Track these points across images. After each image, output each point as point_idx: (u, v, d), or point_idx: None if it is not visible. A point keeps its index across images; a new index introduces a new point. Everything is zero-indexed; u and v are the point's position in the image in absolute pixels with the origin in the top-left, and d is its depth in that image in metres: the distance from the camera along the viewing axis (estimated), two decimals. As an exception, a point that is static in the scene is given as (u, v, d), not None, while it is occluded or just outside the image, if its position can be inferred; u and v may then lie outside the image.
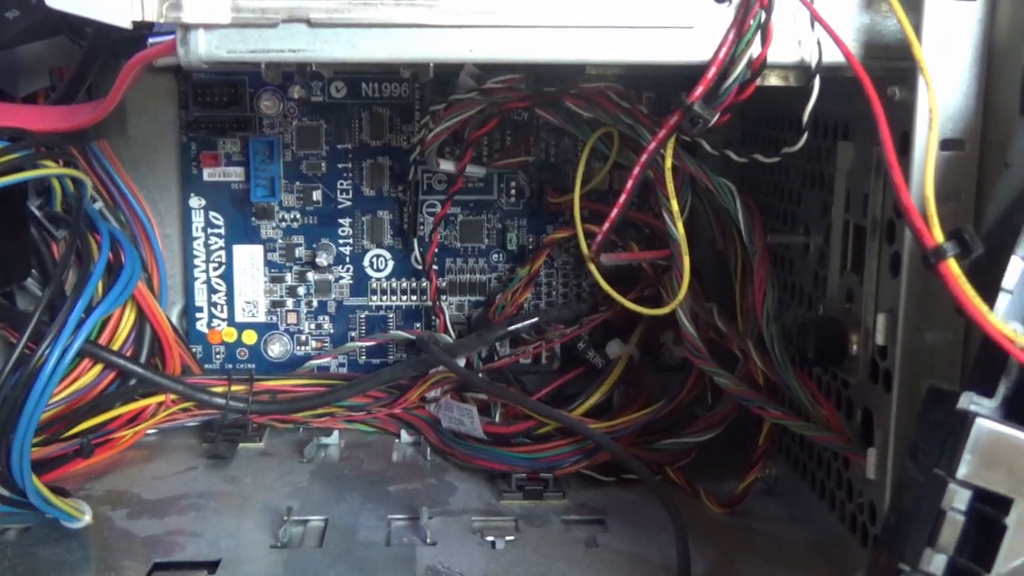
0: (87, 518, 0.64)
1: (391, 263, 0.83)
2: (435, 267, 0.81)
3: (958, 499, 0.37)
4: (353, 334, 0.83)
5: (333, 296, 0.83)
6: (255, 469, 0.74)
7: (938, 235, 0.40)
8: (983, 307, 0.38)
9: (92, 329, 0.67)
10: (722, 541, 0.63)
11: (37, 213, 0.68)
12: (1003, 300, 0.39)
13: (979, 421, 0.37)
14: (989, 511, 0.37)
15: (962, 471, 0.37)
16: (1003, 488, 0.37)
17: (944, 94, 0.47)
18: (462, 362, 0.77)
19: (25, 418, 0.61)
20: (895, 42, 0.46)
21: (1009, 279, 0.39)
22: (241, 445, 0.77)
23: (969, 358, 0.47)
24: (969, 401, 0.38)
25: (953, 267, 0.39)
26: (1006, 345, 0.37)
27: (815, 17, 0.48)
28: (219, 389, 0.76)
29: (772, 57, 0.48)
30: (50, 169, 0.66)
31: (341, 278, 0.83)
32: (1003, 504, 0.37)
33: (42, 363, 0.62)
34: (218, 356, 0.83)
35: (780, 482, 0.70)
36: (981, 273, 0.39)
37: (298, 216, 0.81)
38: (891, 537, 0.40)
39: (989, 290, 0.39)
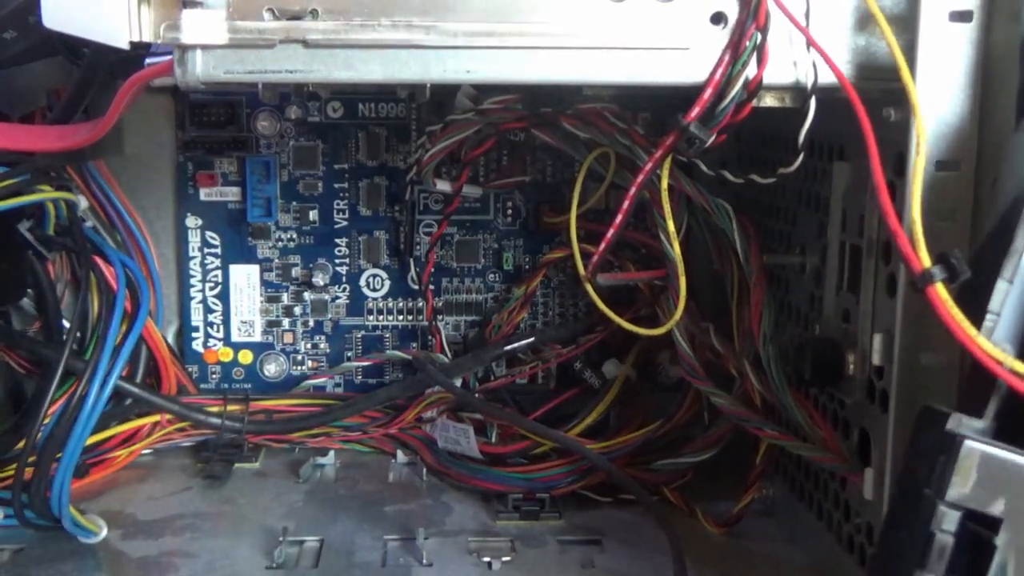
0: (104, 532, 0.64)
1: (387, 283, 0.83)
2: (431, 287, 0.81)
3: (948, 520, 0.37)
4: (349, 354, 0.83)
5: (329, 316, 0.83)
6: (250, 489, 0.73)
7: (925, 260, 0.40)
8: (971, 330, 0.38)
9: (125, 364, 0.69)
10: (719, 562, 0.63)
11: (28, 236, 0.68)
12: (990, 322, 0.39)
13: (967, 443, 0.37)
14: (979, 532, 0.37)
15: (951, 493, 0.37)
16: (993, 509, 0.37)
17: (939, 115, 0.48)
18: (458, 382, 0.77)
19: (68, 454, 0.63)
20: (890, 63, 0.47)
21: (995, 302, 0.39)
22: (236, 465, 0.77)
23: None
24: (958, 422, 0.38)
25: (941, 291, 0.39)
26: (994, 367, 0.37)
27: (809, 40, 0.48)
28: (215, 409, 0.76)
29: (768, 78, 0.49)
30: (46, 193, 0.67)
31: (337, 298, 0.83)
32: (993, 524, 0.37)
33: (81, 402, 0.64)
34: (214, 376, 0.83)
35: (777, 502, 0.70)
36: (974, 294, 0.39)
37: (294, 236, 0.81)
38: (884, 559, 0.40)
39: (980, 311, 0.39)
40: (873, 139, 0.45)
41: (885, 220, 0.42)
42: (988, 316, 0.39)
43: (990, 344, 0.37)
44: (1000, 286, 0.39)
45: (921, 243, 0.41)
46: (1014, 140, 0.45)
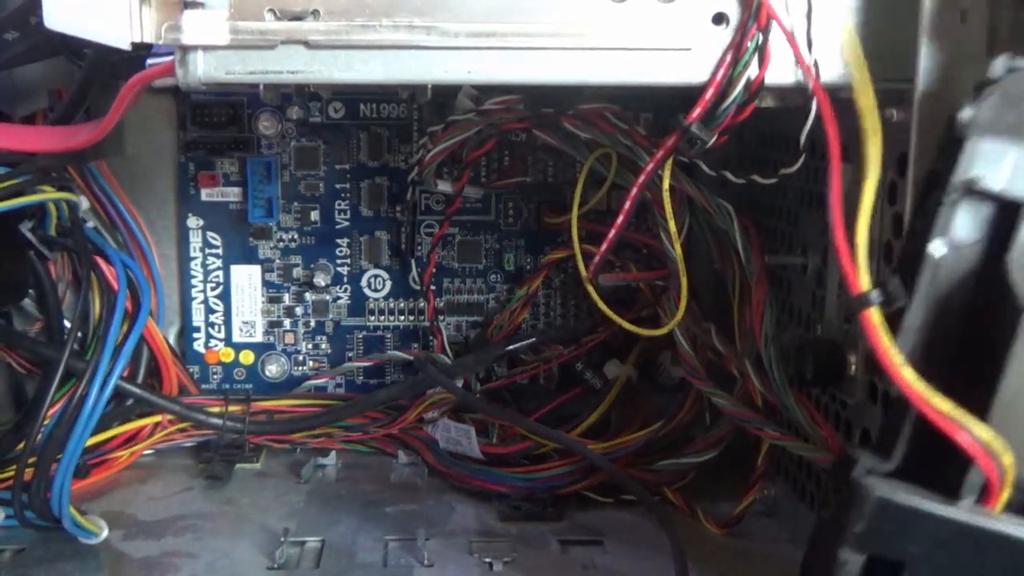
0: (104, 532, 0.64)
1: (389, 283, 0.83)
2: (433, 287, 0.81)
3: (851, 566, 0.37)
4: (351, 354, 0.83)
5: (331, 316, 0.83)
6: (252, 490, 0.73)
7: (865, 283, 0.40)
8: (897, 358, 0.37)
9: (126, 364, 0.69)
10: (720, 562, 0.63)
11: (30, 236, 0.68)
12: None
13: (869, 489, 0.36)
14: None
15: (854, 537, 0.37)
16: (894, 554, 0.36)
17: (939, 116, 0.47)
18: (460, 382, 0.77)
19: (68, 455, 0.63)
20: (891, 64, 0.47)
21: (902, 345, 0.38)
22: (238, 466, 0.77)
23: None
24: (864, 466, 0.37)
25: (873, 316, 0.38)
26: (914, 397, 0.36)
27: (809, 42, 0.48)
28: (216, 409, 0.76)
29: (769, 79, 0.49)
30: (47, 193, 0.67)
31: (339, 298, 0.83)
32: (896, 569, 0.36)
33: (81, 403, 0.64)
34: (215, 376, 0.83)
35: (779, 503, 0.70)
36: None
37: (296, 236, 0.81)
38: None
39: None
40: (837, 146, 0.45)
41: (833, 237, 0.41)
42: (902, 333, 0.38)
43: (914, 374, 0.36)
44: (906, 329, 0.39)
45: (863, 267, 0.40)
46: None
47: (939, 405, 0.35)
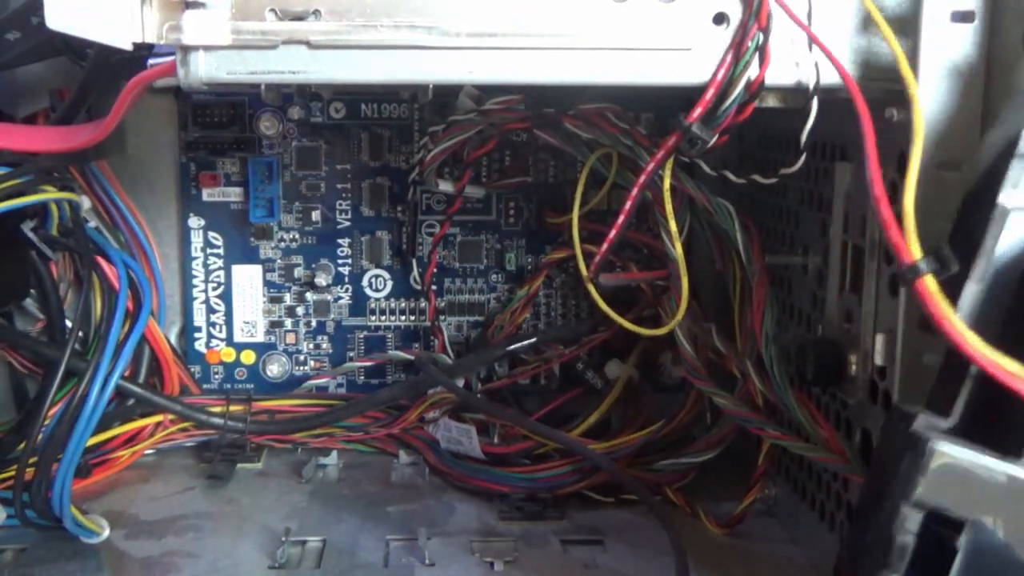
0: (106, 532, 0.64)
1: (390, 283, 0.83)
2: (434, 287, 0.81)
3: (911, 521, 0.37)
4: (352, 354, 0.83)
5: (332, 316, 0.83)
6: (253, 490, 0.73)
7: (916, 252, 0.40)
8: (960, 324, 0.37)
9: (127, 364, 0.69)
10: (721, 562, 0.63)
11: (32, 236, 0.68)
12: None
13: (931, 444, 0.36)
14: (942, 533, 0.37)
15: (915, 494, 0.37)
16: (956, 510, 0.36)
17: (941, 115, 0.48)
18: (461, 382, 0.77)
19: (69, 454, 0.63)
20: (892, 64, 0.47)
21: (965, 304, 0.39)
22: (239, 465, 0.77)
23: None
24: (924, 423, 0.38)
25: (930, 284, 0.39)
26: (983, 363, 0.36)
27: (812, 40, 0.48)
28: (217, 409, 0.76)
29: (770, 79, 0.49)
30: (49, 193, 0.67)
31: (340, 298, 0.83)
32: (956, 527, 0.36)
33: (82, 403, 0.64)
34: (216, 376, 0.83)
35: (779, 503, 0.70)
36: (954, 290, 0.39)
37: (297, 236, 0.81)
38: (849, 557, 0.40)
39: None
40: (871, 128, 0.44)
41: (878, 210, 0.42)
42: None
43: (977, 339, 0.37)
44: (969, 288, 0.39)
45: (913, 235, 0.40)
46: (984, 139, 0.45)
47: (1008, 366, 0.35)
